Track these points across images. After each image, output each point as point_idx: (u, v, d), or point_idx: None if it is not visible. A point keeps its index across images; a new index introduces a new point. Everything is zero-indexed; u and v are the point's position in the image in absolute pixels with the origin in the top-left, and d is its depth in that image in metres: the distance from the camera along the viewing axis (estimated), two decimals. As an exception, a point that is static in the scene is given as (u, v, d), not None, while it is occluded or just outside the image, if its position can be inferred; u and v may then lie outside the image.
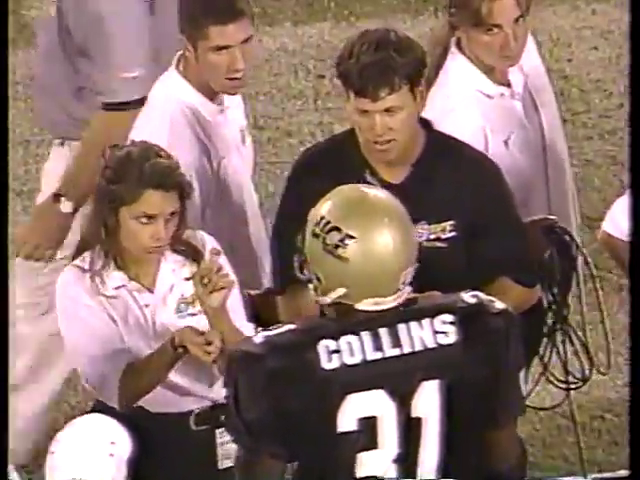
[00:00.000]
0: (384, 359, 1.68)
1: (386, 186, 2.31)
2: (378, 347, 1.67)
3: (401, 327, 1.68)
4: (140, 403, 2.49)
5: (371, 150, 2.52)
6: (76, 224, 3.21)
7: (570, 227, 3.17)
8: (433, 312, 1.71)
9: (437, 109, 2.64)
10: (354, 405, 1.68)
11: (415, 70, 2.46)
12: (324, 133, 5.64)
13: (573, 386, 3.01)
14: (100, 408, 2.56)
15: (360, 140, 2.54)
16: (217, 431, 2.51)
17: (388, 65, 2.40)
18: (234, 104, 3.14)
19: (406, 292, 1.71)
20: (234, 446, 2.47)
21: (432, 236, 2.57)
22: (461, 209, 2.59)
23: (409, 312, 1.71)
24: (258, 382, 1.63)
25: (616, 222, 3.03)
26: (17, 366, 3.29)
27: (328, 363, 1.65)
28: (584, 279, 3.06)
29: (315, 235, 1.69)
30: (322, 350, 1.65)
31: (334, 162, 2.56)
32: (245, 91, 3.23)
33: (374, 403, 1.69)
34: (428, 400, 1.72)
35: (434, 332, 1.70)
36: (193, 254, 2.53)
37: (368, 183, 2.30)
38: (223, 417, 2.11)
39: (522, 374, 1.83)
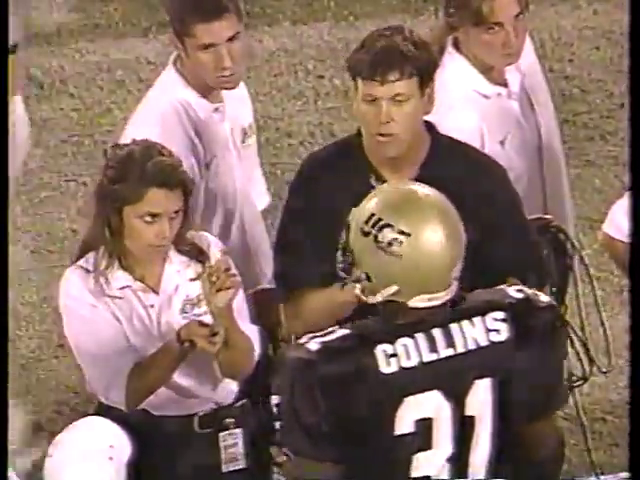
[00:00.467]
0: (439, 360, 1.70)
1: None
2: (433, 348, 1.69)
3: (454, 327, 1.69)
4: (143, 406, 2.49)
5: (373, 147, 2.51)
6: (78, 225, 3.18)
7: (567, 227, 3.17)
8: (483, 310, 1.73)
9: (434, 110, 2.63)
10: (411, 407, 1.69)
11: (426, 65, 2.46)
12: (324, 133, 5.64)
13: (574, 384, 3.00)
14: (100, 411, 2.60)
15: (364, 137, 2.53)
16: (221, 434, 2.51)
17: (400, 51, 2.39)
18: (236, 102, 3.13)
19: (455, 287, 1.73)
20: (239, 449, 2.50)
21: None
22: (468, 212, 2.57)
23: (460, 311, 1.73)
24: (316, 388, 1.63)
25: (617, 223, 3.02)
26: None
27: (387, 367, 1.67)
28: (582, 279, 3.07)
29: (365, 233, 1.70)
30: (380, 355, 1.66)
31: (339, 167, 2.55)
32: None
33: (430, 404, 1.71)
34: (481, 398, 1.74)
35: (486, 330, 1.72)
36: (198, 255, 2.52)
37: (373, 188, 2.30)
38: (274, 426, 2.10)
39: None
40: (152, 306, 2.50)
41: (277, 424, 2.07)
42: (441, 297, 1.71)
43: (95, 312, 2.45)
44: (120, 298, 2.46)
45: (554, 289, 2.98)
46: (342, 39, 6.47)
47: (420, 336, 1.70)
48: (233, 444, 2.46)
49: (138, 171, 2.40)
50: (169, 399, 2.49)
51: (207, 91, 2.99)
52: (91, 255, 2.49)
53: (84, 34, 6.87)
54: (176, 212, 2.43)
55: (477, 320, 1.73)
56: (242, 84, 3.14)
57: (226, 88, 3.00)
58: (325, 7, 6.85)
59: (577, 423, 3.13)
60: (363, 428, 1.67)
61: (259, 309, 2.93)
